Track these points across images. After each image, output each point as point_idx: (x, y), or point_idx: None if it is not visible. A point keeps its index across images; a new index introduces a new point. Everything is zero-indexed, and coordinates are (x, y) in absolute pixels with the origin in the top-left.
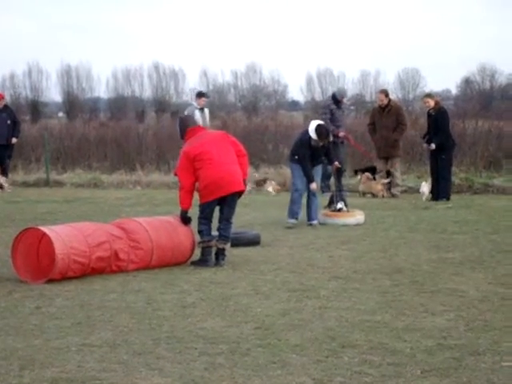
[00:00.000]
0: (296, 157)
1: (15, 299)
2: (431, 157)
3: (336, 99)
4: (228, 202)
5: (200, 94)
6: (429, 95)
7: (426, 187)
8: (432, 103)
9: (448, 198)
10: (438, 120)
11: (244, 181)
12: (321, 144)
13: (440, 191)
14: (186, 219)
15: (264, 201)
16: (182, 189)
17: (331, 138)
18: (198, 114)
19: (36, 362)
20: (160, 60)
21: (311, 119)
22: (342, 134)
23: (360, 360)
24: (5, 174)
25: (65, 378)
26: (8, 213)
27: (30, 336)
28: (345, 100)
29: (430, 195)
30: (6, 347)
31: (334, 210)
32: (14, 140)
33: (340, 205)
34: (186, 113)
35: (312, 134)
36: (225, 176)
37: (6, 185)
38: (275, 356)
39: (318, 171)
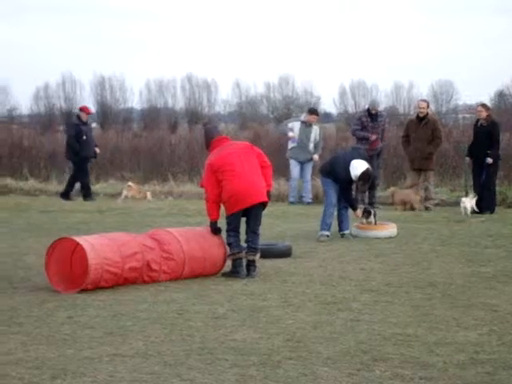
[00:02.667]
0: (333, 178)
1: (48, 309)
2: (475, 170)
3: (369, 112)
4: (252, 214)
5: (311, 111)
6: (484, 105)
7: (468, 203)
8: (484, 114)
9: (492, 211)
10: (491, 132)
11: (268, 192)
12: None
13: (484, 204)
14: (215, 230)
15: (296, 212)
16: (209, 200)
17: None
18: (296, 127)
19: (68, 372)
20: (193, 71)
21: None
22: (373, 137)
23: (392, 374)
24: (88, 190)
25: None
26: (41, 222)
27: (62, 345)
28: (377, 110)
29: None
30: (38, 356)
31: (366, 223)
32: (97, 149)
33: (371, 219)
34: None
35: (354, 174)
36: (247, 188)
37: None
38: (306, 368)
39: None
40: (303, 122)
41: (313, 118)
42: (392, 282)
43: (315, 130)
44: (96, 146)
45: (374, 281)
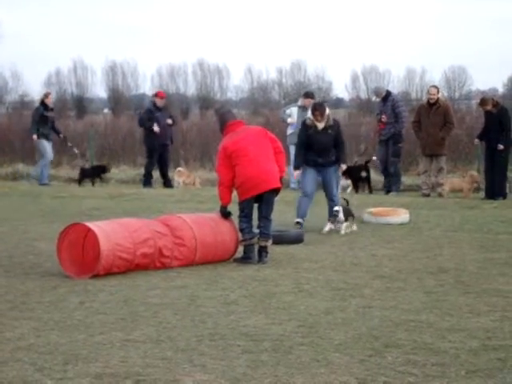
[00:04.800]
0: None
1: (60, 294)
2: (487, 155)
3: (382, 97)
4: (265, 200)
5: (306, 95)
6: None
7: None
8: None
9: (505, 197)
10: (501, 119)
11: (280, 178)
12: (320, 126)
13: (496, 189)
14: (225, 214)
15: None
16: (222, 184)
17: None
18: (294, 113)
19: (80, 357)
20: (204, 57)
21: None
22: (384, 117)
23: (404, 360)
24: (166, 178)
25: (108, 374)
26: (53, 208)
27: (74, 331)
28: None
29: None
30: (50, 342)
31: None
32: (169, 121)
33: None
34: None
35: (307, 117)
36: (260, 174)
37: (197, 181)
38: (318, 354)
39: (330, 175)
40: (300, 107)
41: (308, 101)
42: (404, 268)
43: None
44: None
45: (385, 267)
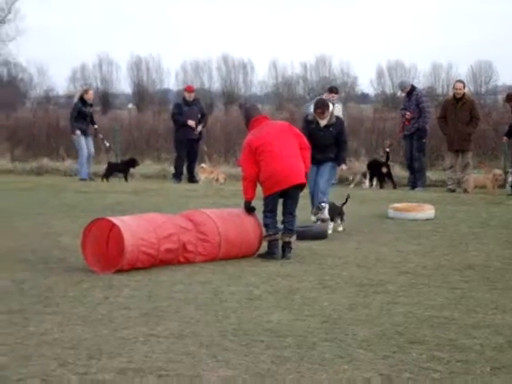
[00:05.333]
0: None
1: (84, 289)
2: None
3: (407, 92)
4: (290, 195)
5: (331, 90)
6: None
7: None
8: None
9: None
10: None
11: (305, 174)
12: (323, 123)
13: None
14: (249, 209)
15: (330, 195)
16: (246, 179)
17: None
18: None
19: (103, 352)
20: (229, 52)
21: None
22: (408, 114)
23: (428, 356)
24: (192, 173)
25: (132, 368)
26: (77, 203)
27: (98, 326)
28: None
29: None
30: (74, 336)
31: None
32: (199, 127)
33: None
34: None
35: (309, 113)
36: (285, 169)
37: (221, 177)
38: (342, 350)
39: (324, 170)
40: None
41: (332, 96)
42: (429, 264)
43: (337, 109)
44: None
45: (410, 263)
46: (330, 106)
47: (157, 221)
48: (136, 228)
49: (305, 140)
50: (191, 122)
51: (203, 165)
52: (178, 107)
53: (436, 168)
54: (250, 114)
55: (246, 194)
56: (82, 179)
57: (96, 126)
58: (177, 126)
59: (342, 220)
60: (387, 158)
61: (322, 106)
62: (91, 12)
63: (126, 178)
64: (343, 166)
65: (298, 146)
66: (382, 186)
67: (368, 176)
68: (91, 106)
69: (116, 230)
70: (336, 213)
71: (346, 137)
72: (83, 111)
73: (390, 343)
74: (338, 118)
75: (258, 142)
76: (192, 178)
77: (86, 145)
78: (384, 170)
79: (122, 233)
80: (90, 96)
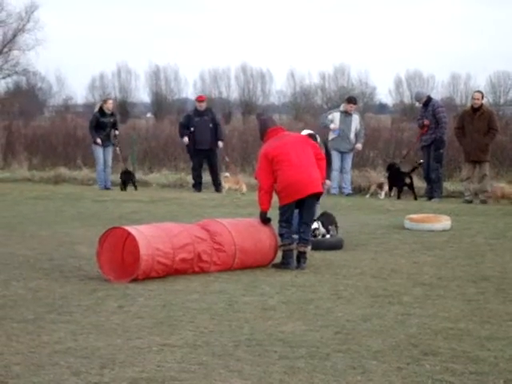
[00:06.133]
0: None
1: (98, 298)
2: None
3: (423, 102)
4: (306, 205)
5: (349, 100)
6: None
7: None
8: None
9: None
10: None
11: (322, 184)
12: None
13: None
14: (265, 220)
15: (347, 204)
16: (261, 189)
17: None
18: (337, 118)
19: (116, 361)
20: (247, 61)
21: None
22: (426, 121)
23: (442, 368)
24: (217, 184)
25: (144, 378)
26: (94, 212)
27: (112, 335)
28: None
29: None
30: (87, 345)
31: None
32: (220, 144)
33: (316, 224)
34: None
35: None
36: (302, 178)
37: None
38: (355, 361)
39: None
40: (343, 112)
41: (350, 106)
42: (444, 275)
43: (355, 119)
44: (219, 139)
45: (426, 274)
46: (318, 138)
47: (172, 231)
48: (152, 237)
49: (320, 151)
50: (185, 140)
51: (227, 174)
52: (187, 118)
53: (453, 179)
54: (265, 126)
55: (262, 205)
56: (103, 188)
57: (117, 133)
58: (180, 137)
59: (336, 228)
60: (413, 170)
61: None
62: (110, 21)
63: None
64: (328, 182)
65: (314, 156)
66: (399, 197)
67: (387, 185)
68: (111, 115)
69: (131, 239)
70: (330, 222)
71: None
72: (101, 121)
73: (404, 355)
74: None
75: (275, 151)
76: (216, 188)
77: (103, 154)
78: (407, 180)
79: (137, 242)
80: (108, 106)
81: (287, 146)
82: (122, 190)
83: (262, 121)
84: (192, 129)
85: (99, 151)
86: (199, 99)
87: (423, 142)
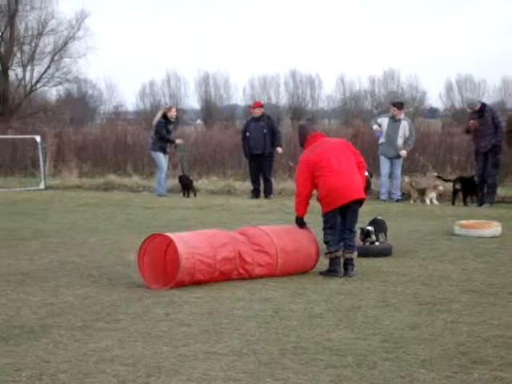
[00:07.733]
0: None
1: (145, 305)
2: None
3: (478, 110)
4: (350, 211)
5: (393, 104)
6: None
7: None
8: None
9: None
10: None
11: (364, 189)
12: None
13: None
14: (301, 224)
15: (397, 210)
16: (299, 196)
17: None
18: (385, 123)
19: (162, 369)
20: (297, 67)
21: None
22: (471, 122)
23: (491, 377)
24: (267, 190)
25: None
26: (143, 219)
27: (159, 342)
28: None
29: None
30: (134, 353)
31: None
32: (279, 149)
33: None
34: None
35: None
36: (344, 184)
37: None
38: (403, 370)
39: None
40: (391, 117)
41: (395, 111)
42: (495, 282)
43: (404, 125)
44: (277, 145)
45: (475, 281)
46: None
47: (208, 233)
48: (188, 239)
49: (362, 159)
50: (178, 141)
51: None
52: (245, 124)
53: (504, 184)
54: (305, 132)
55: (298, 211)
56: (160, 195)
57: (181, 141)
58: (242, 142)
59: (385, 236)
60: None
61: None
62: (159, 28)
63: (189, 194)
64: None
65: (355, 162)
66: (453, 203)
67: (435, 191)
68: (173, 122)
69: (172, 246)
70: (381, 228)
71: None
72: (167, 129)
73: (453, 363)
74: None
75: (316, 158)
76: (266, 196)
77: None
78: (457, 186)
79: (174, 243)
80: (172, 113)
81: (328, 152)
82: (184, 195)
83: (301, 127)
84: (248, 134)
85: (162, 158)
86: (253, 105)
87: (482, 149)
